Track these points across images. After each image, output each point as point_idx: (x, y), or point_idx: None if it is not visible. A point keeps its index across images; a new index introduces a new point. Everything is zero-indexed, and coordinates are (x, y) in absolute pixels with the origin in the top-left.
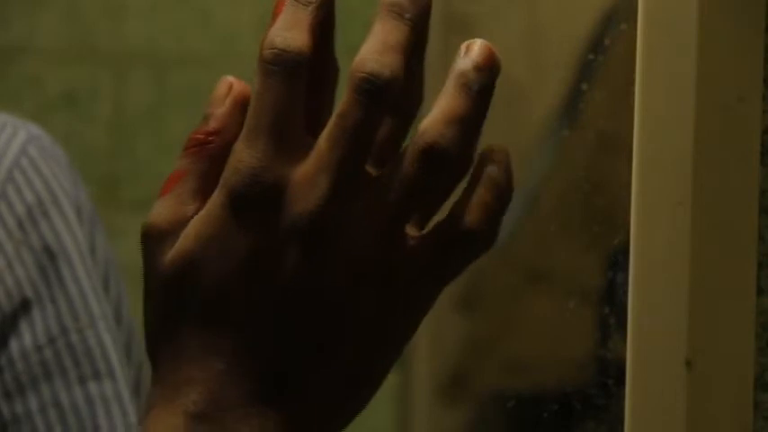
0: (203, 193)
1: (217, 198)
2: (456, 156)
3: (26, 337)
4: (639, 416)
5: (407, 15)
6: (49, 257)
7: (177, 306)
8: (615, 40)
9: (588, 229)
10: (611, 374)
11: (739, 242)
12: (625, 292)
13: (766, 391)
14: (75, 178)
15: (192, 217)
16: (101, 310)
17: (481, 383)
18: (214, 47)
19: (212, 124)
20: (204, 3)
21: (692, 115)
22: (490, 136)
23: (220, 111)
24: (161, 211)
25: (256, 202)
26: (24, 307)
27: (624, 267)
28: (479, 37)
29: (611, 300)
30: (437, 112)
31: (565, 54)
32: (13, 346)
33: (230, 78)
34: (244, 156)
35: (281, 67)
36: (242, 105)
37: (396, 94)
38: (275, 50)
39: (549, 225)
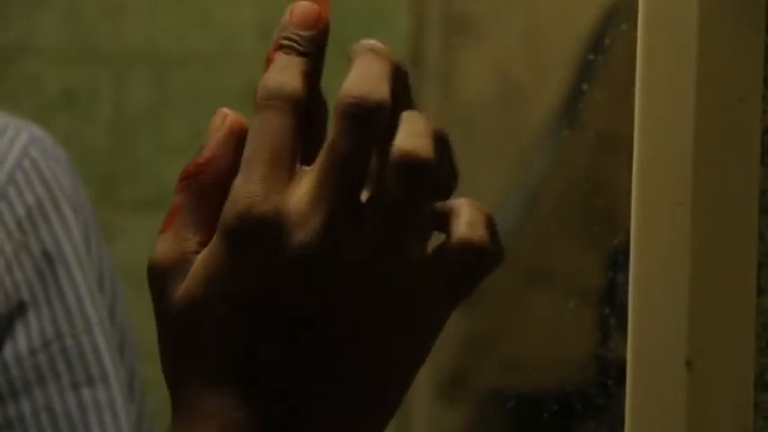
0: (202, 226)
1: (217, 236)
2: (434, 165)
3: (21, 341)
4: (639, 416)
5: (383, 52)
6: (47, 262)
7: (187, 345)
8: (615, 40)
9: (588, 229)
10: (611, 374)
11: (739, 242)
12: (625, 292)
13: (766, 391)
14: (76, 180)
15: (194, 252)
16: (97, 314)
17: (481, 383)
18: (214, 47)
19: (203, 155)
20: (204, 3)
21: (692, 115)
22: (491, 136)
23: (212, 141)
24: (162, 248)
25: (252, 237)
26: (20, 310)
27: (624, 267)
28: (479, 36)
29: (611, 300)
30: (405, 130)
31: (565, 54)
32: (8, 349)
33: (225, 110)
34: (240, 190)
35: (276, 102)
36: (236, 136)
37: (384, 118)
38: (270, 90)
39: (549, 225)
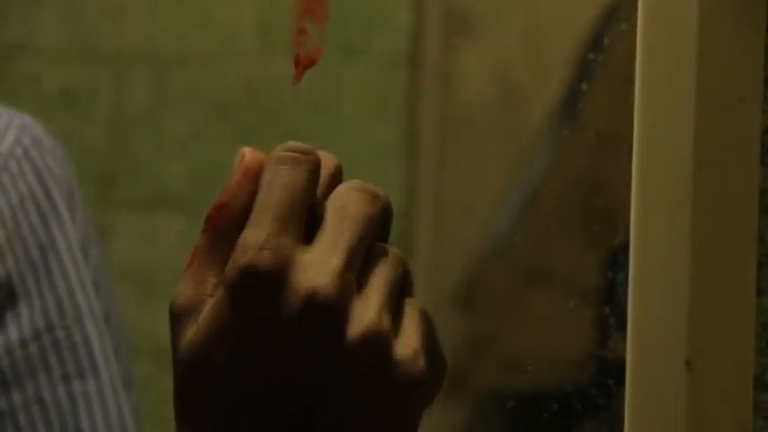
0: (220, 268)
1: (222, 286)
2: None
3: (12, 332)
4: (639, 416)
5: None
6: (40, 252)
7: (191, 391)
8: (615, 39)
9: (588, 229)
10: (611, 374)
11: (739, 242)
12: (625, 292)
13: (766, 391)
14: (67, 169)
15: (210, 294)
16: (88, 306)
17: (481, 383)
18: (214, 47)
19: (222, 198)
20: (204, 2)
21: (692, 115)
22: (491, 136)
23: (230, 184)
24: (181, 290)
25: (253, 293)
26: (12, 300)
27: (624, 267)
28: (479, 36)
29: (611, 300)
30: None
31: (565, 54)
32: None
33: (245, 149)
34: (245, 244)
35: (293, 153)
36: (253, 176)
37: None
38: (288, 144)
39: (549, 225)
